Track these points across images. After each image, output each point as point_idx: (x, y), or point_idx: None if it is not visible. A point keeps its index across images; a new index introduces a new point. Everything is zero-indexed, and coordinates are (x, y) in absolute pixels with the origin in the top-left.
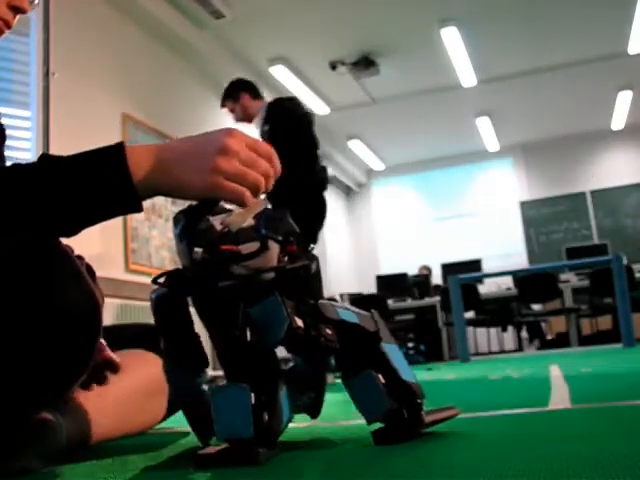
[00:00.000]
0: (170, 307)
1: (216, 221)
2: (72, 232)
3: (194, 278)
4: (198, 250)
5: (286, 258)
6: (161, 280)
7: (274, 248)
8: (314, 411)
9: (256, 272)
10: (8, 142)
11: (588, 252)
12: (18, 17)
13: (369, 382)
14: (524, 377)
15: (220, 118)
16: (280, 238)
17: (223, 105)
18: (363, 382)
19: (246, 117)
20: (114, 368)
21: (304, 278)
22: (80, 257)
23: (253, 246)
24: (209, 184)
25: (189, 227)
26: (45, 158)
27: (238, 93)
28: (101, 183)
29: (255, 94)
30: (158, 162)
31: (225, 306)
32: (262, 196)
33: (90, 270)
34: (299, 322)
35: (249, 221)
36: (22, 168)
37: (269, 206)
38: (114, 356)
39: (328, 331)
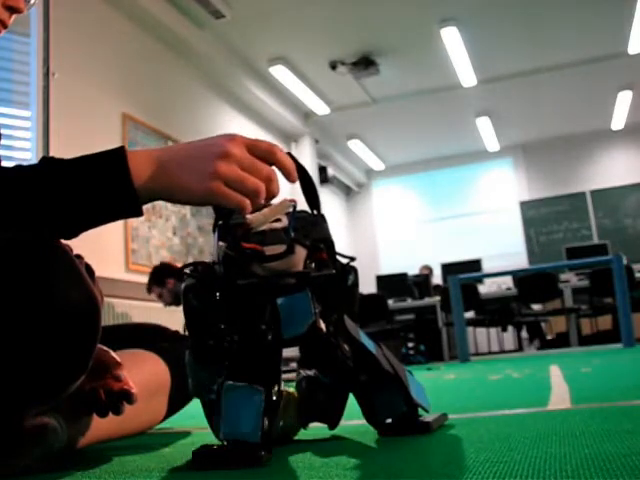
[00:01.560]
0: (196, 298)
1: (250, 217)
2: (72, 234)
3: (217, 273)
4: (222, 245)
5: (313, 265)
6: (188, 270)
7: (300, 253)
8: (331, 422)
9: (277, 275)
10: (8, 142)
11: (588, 252)
12: (14, 17)
13: (395, 387)
14: (524, 377)
15: (220, 118)
16: (308, 243)
17: (150, 291)
18: (386, 385)
19: (175, 300)
20: (130, 399)
21: (332, 288)
22: (79, 256)
23: (279, 248)
24: (208, 189)
25: (218, 220)
26: (46, 161)
27: (164, 279)
28: (102, 186)
29: (180, 277)
30: (158, 166)
31: (250, 302)
32: (288, 197)
33: (89, 270)
34: (322, 325)
35: (284, 222)
36: (23, 169)
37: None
38: (133, 387)
39: (346, 347)
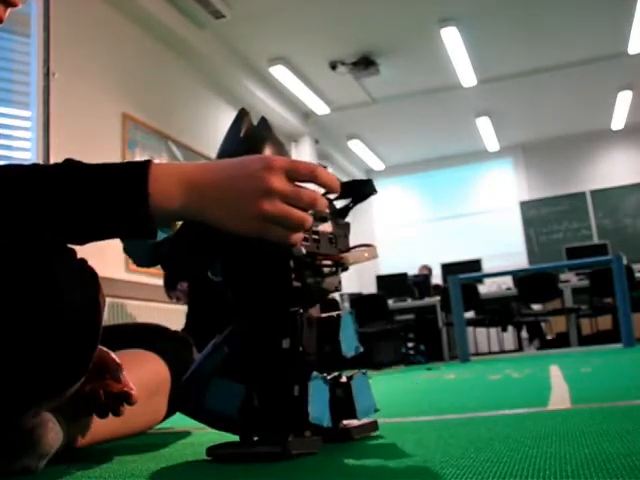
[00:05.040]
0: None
1: (321, 227)
2: (80, 241)
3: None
4: (300, 247)
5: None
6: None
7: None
8: None
9: (323, 291)
10: (8, 142)
11: (588, 252)
12: (9, 11)
13: (365, 381)
14: (524, 377)
15: (220, 119)
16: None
17: (170, 297)
18: (360, 382)
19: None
20: (130, 400)
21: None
22: (83, 260)
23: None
24: (252, 230)
25: None
26: (67, 162)
27: (174, 283)
28: (116, 206)
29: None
30: (192, 199)
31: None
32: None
33: (93, 273)
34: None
35: (329, 227)
36: (42, 168)
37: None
38: (132, 388)
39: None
